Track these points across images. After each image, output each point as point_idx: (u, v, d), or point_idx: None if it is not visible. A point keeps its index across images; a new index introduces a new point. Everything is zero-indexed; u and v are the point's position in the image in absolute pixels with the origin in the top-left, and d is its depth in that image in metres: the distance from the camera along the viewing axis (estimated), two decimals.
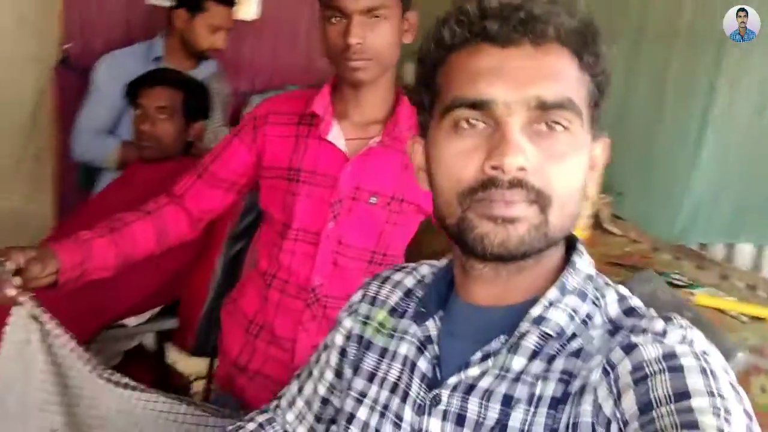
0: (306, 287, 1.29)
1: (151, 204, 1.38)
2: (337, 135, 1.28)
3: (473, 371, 0.67)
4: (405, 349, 0.76)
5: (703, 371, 0.57)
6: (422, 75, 0.70)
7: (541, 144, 0.63)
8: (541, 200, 0.62)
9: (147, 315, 1.79)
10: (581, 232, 2.06)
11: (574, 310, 0.66)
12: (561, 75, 0.64)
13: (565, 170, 0.63)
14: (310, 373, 0.90)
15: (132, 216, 1.33)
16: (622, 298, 0.68)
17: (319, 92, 1.30)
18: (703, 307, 1.63)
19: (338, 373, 0.86)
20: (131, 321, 1.75)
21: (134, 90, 1.92)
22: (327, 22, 1.19)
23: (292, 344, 1.30)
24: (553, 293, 0.66)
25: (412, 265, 0.86)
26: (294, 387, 0.93)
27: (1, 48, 2.40)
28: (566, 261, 0.70)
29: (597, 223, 2.15)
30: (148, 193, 1.77)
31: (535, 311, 0.66)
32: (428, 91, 0.69)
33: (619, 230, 2.16)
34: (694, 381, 0.55)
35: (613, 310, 0.67)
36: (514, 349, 0.65)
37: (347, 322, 0.85)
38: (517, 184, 0.61)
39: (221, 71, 2.56)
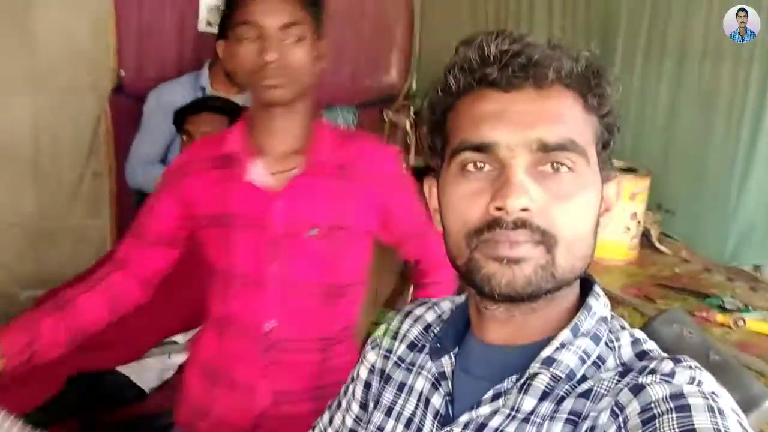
0: (259, 333, 1.22)
1: (97, 274, 1.32)
2: (258, 172, 1.22)
3: (484, 410, 0.68)
4: (421, 384, 0.77)
5: (711, 410, 0.56)
6: (433, 121, 0.72)
7: (546, 185, 0.63)
8: (546, 240, 0.63)
9: (195, 331, 1.84)
10: (629, 251, 2.03)
11: (586, 353, 0.66)
12: (563, 117, 0.64)
13: (571, 210, 0.63)
14: (339, 404, 0.92)
15: (78, 290, 1.28)
16: (635, 341, 0.68)
17: (232, 131, 1.26)
18: (754, 333, 1.58)
19: (363, 406, 0.87)
20: (179, 338, 1.80)
21: (181, 117, 1.99)
22: (239, 41, 1.16)
23: (251, 392, 1.24)
24: (565, 335, 0.67)
25: (435, 299, 0.87)
26: (326, 417, 0.94)
27: (60, 78, 2.52)
28: (582, 302, 0.70)
29: (646, 242, 2.11)
30: None
31: (546, 352, 0.66)
32: (439, 135, 0.71)
33: (669, 250, 2.11)
34: (701, 420, 0.55)
35: (627, 353, 0.67)
36: (525, 389, 0.66)
37: (371, 356, 0.87)
38: (521, 224, 0.62)
39: None
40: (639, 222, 2.00)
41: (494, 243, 0.63)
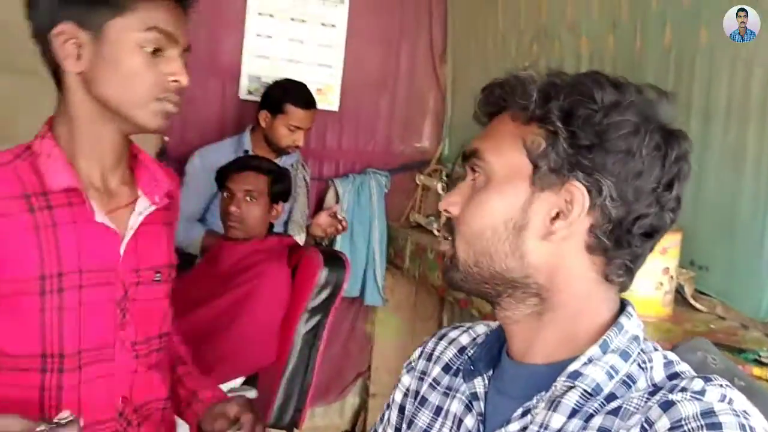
0: (111, 417, 1.01)
1: None
2: (98, 211, 1.00)
3: (513, 427, 0.69)
4: (455, 406, 0.78)
5: (743, 427, 0.57)
6: None
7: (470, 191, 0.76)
8: (450, 234, 0.76)
9: (228, 385, 1.86)
10: (663, 308, 2.00)
11: (614, 368, 0.67)
12: (489, 134, 0.75)
13: (467, 208, 0.74)
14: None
15: None
16: (668, 363, 0.69)
17: (43, 156, 0.99)
18: None
19: (398, 431, 0.88)
20: None
21: (224, 175, 2.08)
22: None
23: None
24: (593, 350, 0.68)
25: (469, 324, 0.89)
26: None
27: None
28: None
29: (680, 299, 2.09)
30: (233, 269, 1.90)
31: (573, 366, 0.67)
32: None
33: (704, 307, 2.08)
34: None
35: (659, 374, 0.67)
36: (554, 406, 0.67)
37: (406, 379, 0.89)
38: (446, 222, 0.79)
39: (301, 160, 2.78)
40: (672, 277, 1.99)
41: None
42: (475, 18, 3.11)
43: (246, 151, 2.56)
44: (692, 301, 2.10)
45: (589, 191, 0.68)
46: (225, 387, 1.86)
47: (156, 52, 0.98)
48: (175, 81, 1.00)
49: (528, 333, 0.72)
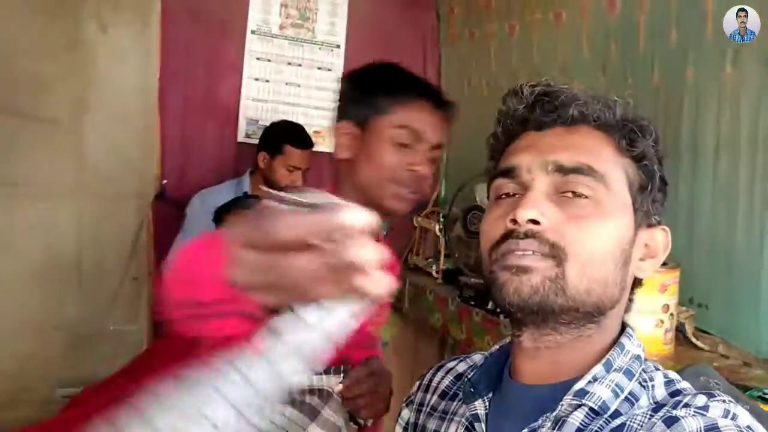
0: None
1: None
2: None
3: None
4: (454, 429, 0.77)
5: None
6: (490, 169, 0.79)
7: (565, 208, 0.67)
8: (555, 254, 0.66)
9: None
10: (664, 346, 1.99)
11: (619, 386, 0.67)
12: (584, 147, 0.69)
13: (585, 230, 0.67)
14: None
15: None
16: (669, 382, 0.69)
17: None
18: None
19: None
20: None
21: (221, 215, 2.07)
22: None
23: None
24: (597, 369, 0.68)
25: (465, 354, 0.89)
26: None
27: (105, 187, 2.67)
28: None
29: (682, 338, 2.07)
30: None
31: (579, 385, 0.67)
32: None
33: (705, 345, 2.06)
34: None
35: (660, 393, 0.68)
36: (559, 425, 0.66)
37: (405, 413, 0.88)
38: (531, 235, 0.66)
39: None
40: (672, 315, 1.97)
41: (507, 254, 0.67)
42: (467, 61, 3.16)
43: (245, 193, 2.58)
44: (693, 339, 2.08)
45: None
46: None
47: (404, 145, 1.17)
48: (412, 170, 1.17)
49: (559, 356, 0.71)
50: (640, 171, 0.71)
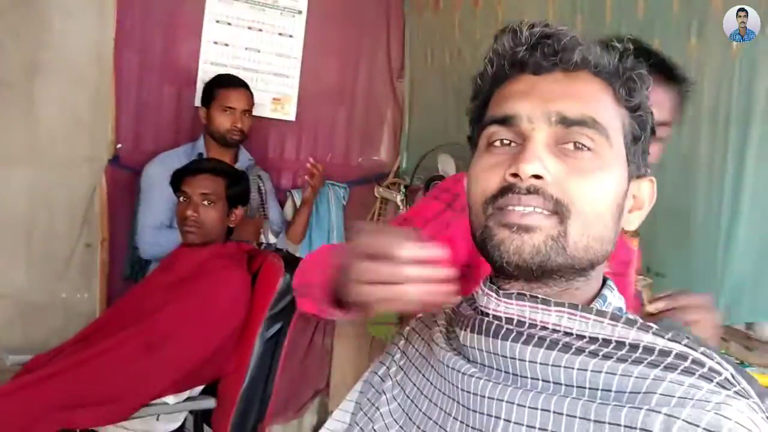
0: None
1: None
2: None
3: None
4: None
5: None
6: (473, 112, 0.75)
7: (566, 160, 0.64)
8: (560, 210, 0.63)
9: (186, 394, 1.79)
10: None
11: None
12: (587, 97, 0.66)
13: (587, 185, 0.64)
14: None
15: None
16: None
17: None
18: None
19: None
20: (170, 399, 1.75)
21: (179, 179, 2.02)
22: None
23: None
24: None
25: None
26: None
27: (58, 150, 2.56)
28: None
29: (639, 306, 2.12)
30: (190, 274, 1.84)
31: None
32: (477, 125, 0.74)
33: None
34: None
35: None
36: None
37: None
38: (534, 191, 0.63)
39: (257, 168, 2.75)
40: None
41: (506, 210, 0.64)
42: (432, 32, 3.14)
43: (200, 154, 2.54)
44: (649, 308, 2.13)
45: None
46: (182, 396, 1.80)
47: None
48: None
49: None
50: (635, 122, 0.69)
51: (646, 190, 0.72)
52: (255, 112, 2.87)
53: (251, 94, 2.63)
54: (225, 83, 2.56)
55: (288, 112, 3.07)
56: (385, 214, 3.15)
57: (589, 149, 0.65)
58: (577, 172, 0.64)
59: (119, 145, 2.70)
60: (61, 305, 2.59)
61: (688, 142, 2.01)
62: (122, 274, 2.68)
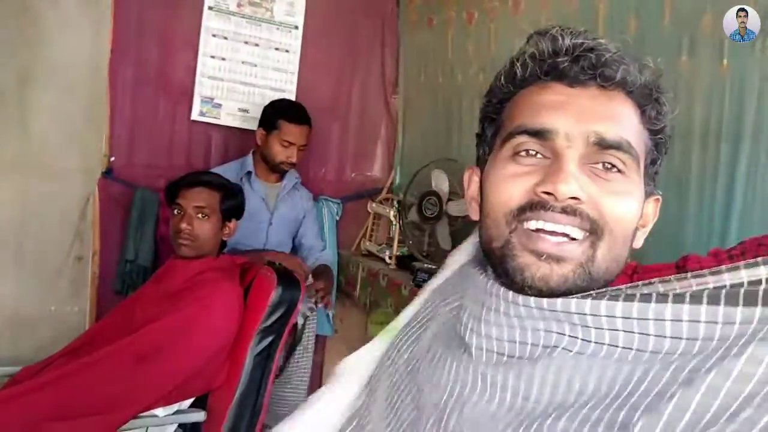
0: None
1: None
2: None
3: None
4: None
5: None
6: (487, 109, 0.73)
7: (597, 181, 0.63)
8: (595, 231, 0.62)
9: (175, 407, 1.78)
10: None
11: None
12: (623, 120, 0.65)
13: (619, 206, 0.63)
14: None
15: None
16: None
17: None
18: None
19: None
20: (160, 412, 1.73)
21: (173, 192, 2.01)
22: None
23: None
24: None
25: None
26: None
27: (50, 161, 2.56)
28: None
29: None
30: (183, 287, 1.83)
31: None
32: (491, 123, 0.72)
33: None
34: None
35: None
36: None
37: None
38: (571, 212, 0.61)
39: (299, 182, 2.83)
40: None
41: (534, 234, 0.62)
42: (425, 50, 3.17)
43: (249, 173, 2.63)
44: None
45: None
46: (172, 408, 1.78)
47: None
48: None
49: None
50: (655, 143, 0.69)
51: (651, 208, 0.72)
52: (252, 126, 2.89)
53: (311, 127, 2.66)
54: (291, 118, 2.59)
55: None
56: (377, 230, 3.16)
57: (619, 171, 0.64)
58: (610, 194, 0.63)
59: (112, 158, 2.69)
60: (51, 318, 2.58)
61: (679, 161, 2.03)
62: (113, 289, 2.67)
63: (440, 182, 2.66)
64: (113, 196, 2.69)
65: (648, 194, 0.70)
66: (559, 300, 0.59)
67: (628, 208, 0.64)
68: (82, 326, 2.60)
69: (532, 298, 0.61)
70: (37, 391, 1.58)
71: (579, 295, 0.60)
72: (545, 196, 0.62)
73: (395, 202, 3.09)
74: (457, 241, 2.60)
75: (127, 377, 1.60)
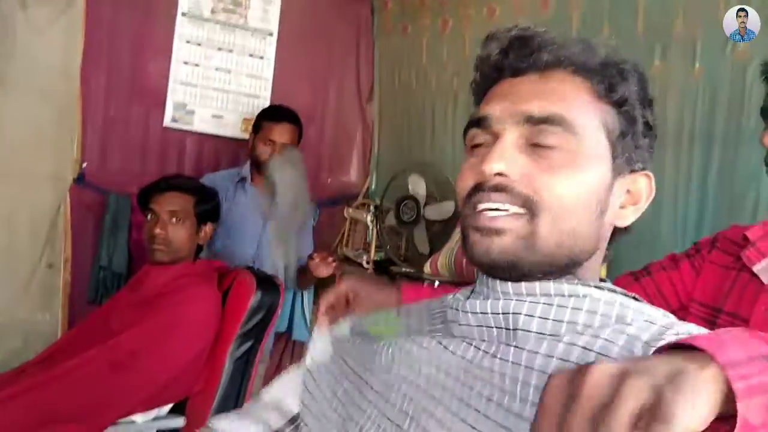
0: None
1: None
2: None
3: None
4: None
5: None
6: (470, 116, 0.75)
7: (537, 159, 0.65)
8: (529, 207, 0.64)
9: (154, 413, 1.75)
10: None
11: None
12: (558, 95, 0.66)
13: (555, 181, 0.64)
14: None
15: None
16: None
17: None
18: None
19: None
20: (138, 418, 1.70)
21: (146, 197, 1.99)
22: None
23: None
24: None
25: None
26: None
27: (21, 166, 2.50)
28: None
29: None
30: (159, 293, 1.81)
31: None
32: None
33: None
34: None
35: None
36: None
37: None
38: (501, 189, 0.64)
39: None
40: None
41: (476, 213, 0.66)
42: (399, 55, 3.18)
43: (243, 179, 2.59)
44: None
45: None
46: (150, 415, 1.75)
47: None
48: None
49: None
50: (621, 116, 0.68)
51: (642, 184, 0.71)
52: (225, 133, 2.87)
53: (297, 127, 2.61)
54: (270, 116, 2.57)
55: None
56: (354, 235, 3.15)
57: (557, 147, 0.65)
58: (546, 169, 0.65)
59: (84, 164, 2.65)
60: (20, 326, 2.51)
61: (653, 164, 2.06)
62: (87, 297, 2.62)
63: (417, 186, 2.67)
64: (85, 202, 2.64)
65: (629, 170, 0.69)
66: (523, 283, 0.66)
67: (565, 181, 0.64)
68: (54, 335, 2.55)
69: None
70: (11, 401, 1.54)
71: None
72: (480, 177, 0.66)
73: (372, 207, 3.09)
74: (435, 244, 2.61)
75: (103, 384, 1.57)
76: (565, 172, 0.64)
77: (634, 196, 0.71)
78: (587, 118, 0.67)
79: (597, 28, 2.13)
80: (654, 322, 0.62)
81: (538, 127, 0.65)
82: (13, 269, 2.51)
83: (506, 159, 0.64)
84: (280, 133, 2.54)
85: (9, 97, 2.46)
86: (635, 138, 0.69)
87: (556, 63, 0.68)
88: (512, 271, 0.65)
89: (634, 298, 0.67)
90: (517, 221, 0.64)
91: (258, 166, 2.57)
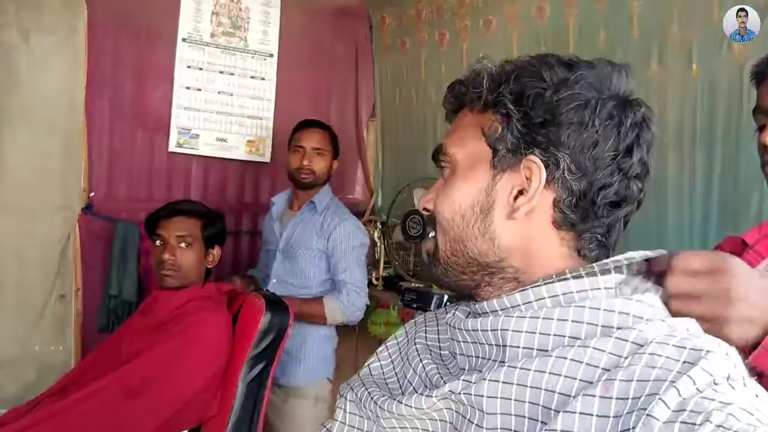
0: None
1: None
2: None
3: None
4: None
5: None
6: None
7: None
8: (438, 227, 0.76)
9: None
10: None
11: None
12: (454, 130, 0.77)
13: (440, 200, 0.75)
14: None
15: None
16: None
17: None
18: None
19: None
20: None
21: (153, 222, 2.00)
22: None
23: None
24: None
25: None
26: None
27: (28, 199, 2.53)
28: None
29: None
30: (169, 317, 1.81)
31: None
32: None
33: None
34: None
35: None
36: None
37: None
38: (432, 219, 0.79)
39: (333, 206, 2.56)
40: None
41: None
42: (399, 71, 3.20)
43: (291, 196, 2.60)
44: None
45: (546, 165, 0.69)
46: None
47: None
48: None
49: None
50: (497, 116, 0.72)
51: (524, 174, 0.70)
52: (230, 155, 2.88)
53: (328, 133, 2.54)
54: (297, 127, 2.56)
55: (263, 154, 3.08)
56: None
57: (447, 168, 0.76)
58: (439, 193, 0.76)
59: (92, 193, 2.67)
60: (35, 358, 2.53)
61: (655, 167, 2.05)
62: (98, 326, 2.64)
63: None
64: (94, 232, 2.67)
65: (514, 161, 0.70)
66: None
67: (445, 198, 0.75)
68: (68, 365, 2.56)
69: None
70: (27, 431, 1.55)
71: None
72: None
73: (378, 224, 3.10)
74: None
75: (116, 412, 1.58)
76: (445, 191, 0.75)
77: (520, 185, 0.70)
78: (466, 135, 0.75)
79: (593, 35, 2.14)
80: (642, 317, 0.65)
81: (436, 160, 0.78)
82: (26, 302, 2.53)
83: (433, 193, 0.78)
84: (308, 137, 2.50)
85: (15, 130, 2.49)
86: (511, 129, 0.70)
87: (461, 105, 0.78)
88: (442, 284, 0.79)
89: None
90: (431, 242, 0.78)
91: (292, 179, 2.53)
